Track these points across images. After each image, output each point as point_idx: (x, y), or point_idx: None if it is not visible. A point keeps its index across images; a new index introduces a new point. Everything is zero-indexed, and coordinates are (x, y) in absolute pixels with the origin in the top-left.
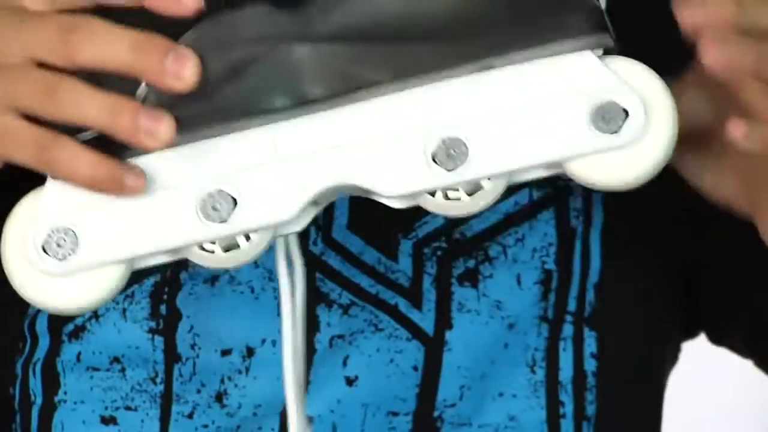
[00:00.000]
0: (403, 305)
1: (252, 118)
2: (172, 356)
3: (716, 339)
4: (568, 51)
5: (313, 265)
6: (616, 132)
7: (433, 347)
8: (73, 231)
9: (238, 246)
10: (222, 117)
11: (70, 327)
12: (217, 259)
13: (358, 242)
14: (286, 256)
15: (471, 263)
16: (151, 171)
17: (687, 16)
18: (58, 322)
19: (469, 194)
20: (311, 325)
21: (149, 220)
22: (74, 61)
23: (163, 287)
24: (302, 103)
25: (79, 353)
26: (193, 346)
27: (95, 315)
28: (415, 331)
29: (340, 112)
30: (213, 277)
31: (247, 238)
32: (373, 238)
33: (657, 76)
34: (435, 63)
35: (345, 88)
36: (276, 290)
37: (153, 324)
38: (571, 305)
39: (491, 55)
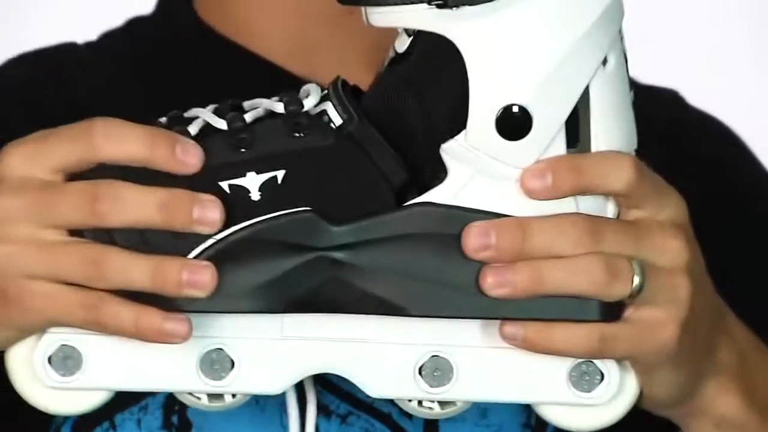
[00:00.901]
0: (396, 414)
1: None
2: None
3: None
4: None
5: (313, 379)
6: (589, 392)
7: None
8: (79, 351)
9: (223, 398)
10: (247, 305)
11: None
12: (201, 405)
13: None
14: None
15: None
16: None
17: (473, 245)
18: (79, 430)
19: (441, 404)
20: None
21: (150, 361)
22: (104, 228)
23: (174, 399)
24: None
25: None
26: None
27: (113, 425)
28: None
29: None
30: None
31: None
32: None
33: None
34: (456, 310)
35: (361, 307)
36: (279, 403)
37: None
38: None
39: (503, 316)
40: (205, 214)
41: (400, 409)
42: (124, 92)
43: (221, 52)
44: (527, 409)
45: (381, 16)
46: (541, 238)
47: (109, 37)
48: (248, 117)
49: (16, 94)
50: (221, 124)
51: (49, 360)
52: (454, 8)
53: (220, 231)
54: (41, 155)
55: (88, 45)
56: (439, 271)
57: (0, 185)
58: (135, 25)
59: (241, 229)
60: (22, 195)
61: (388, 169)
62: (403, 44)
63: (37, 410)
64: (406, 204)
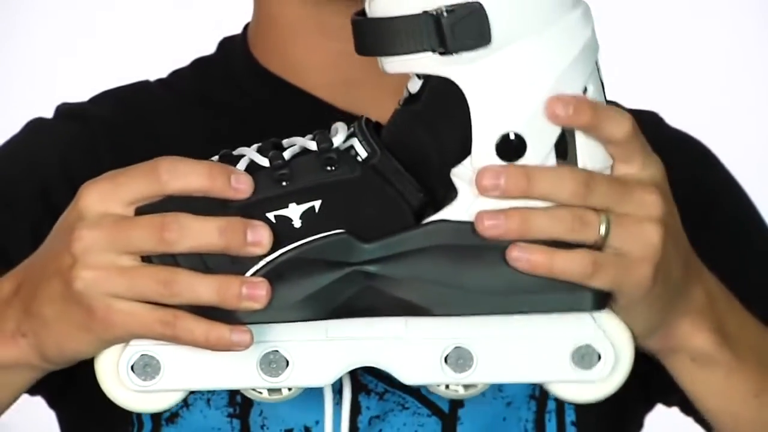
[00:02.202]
0: (424, 390)
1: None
2: None
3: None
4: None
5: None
6: (589, 369)
7: (448, 422)
8: (157, 360)
9: (281, 391)
10: (296, 315)
11: (167, 414)
12: (263, 398)
13: None
14: None
15: None
16: None
17: (484, 184)
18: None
19: (465, 387)
20: (355, 409)
21: (218, 365)
22: (172, 253)
23: None
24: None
25: None
26: (262, 427)
27: (186, 404)
28: (434, 409)
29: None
30: None
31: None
32: None
33: (627, 328)
34: (473, 308)
35: (392, 311)
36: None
37: (231, 410)
38: None
39: (517, 311)
40: (257, 237)
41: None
42: (193, 127)
43: (273, 88)
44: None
45: (394, 64)
46: (543, 185)
47: (177, 76)
48: (287, 154)
49: (103, 132)
50: (264, 162)
51: (132, 367)
52: (454, 54)
53: (270, 254)
54: (115, 192)
55: (160, 82)
56: (456, 276)
57: (81, 221)
58: (199, 65)
59: (287, 251)
60: (100, 228)
61: (407, 194)
62: (415, 86)
63: None
64: (424, 222)
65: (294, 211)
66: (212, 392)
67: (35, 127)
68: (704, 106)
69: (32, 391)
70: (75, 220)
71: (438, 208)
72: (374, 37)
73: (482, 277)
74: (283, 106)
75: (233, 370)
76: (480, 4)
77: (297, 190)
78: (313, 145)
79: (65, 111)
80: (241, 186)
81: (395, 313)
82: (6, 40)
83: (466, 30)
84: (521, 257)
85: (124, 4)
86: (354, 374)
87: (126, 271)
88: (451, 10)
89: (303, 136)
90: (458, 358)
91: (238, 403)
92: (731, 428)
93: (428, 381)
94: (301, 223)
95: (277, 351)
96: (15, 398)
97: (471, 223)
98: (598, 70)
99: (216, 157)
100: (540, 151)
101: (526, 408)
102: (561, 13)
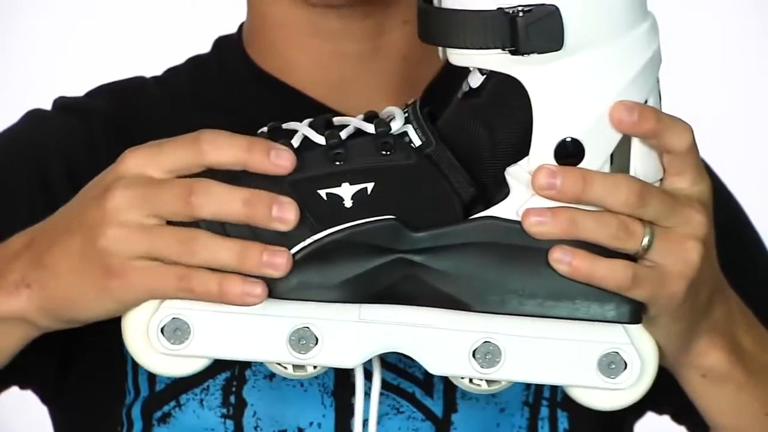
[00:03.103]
0: (419, 393)
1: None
2: None
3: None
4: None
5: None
6: (614, 378)
7: (442, 427)
8: (188, 324)
9: (305, 368)
10: (335, 295)
11: (159, 414)
12: (287, 373)
13: None
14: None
15: None
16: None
17: (540, 182)
18: (149, 409)
19: (487, 382)
20: (348, 412)
21: (248, 335)
22: (195, 217)
23: (232, 381)
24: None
25: None
26: (256, 428)
27: (178, 404)
28: (428, 414)
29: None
30: (271, 374)
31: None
32: None
33: (653, 340)
34: (512, 308)
35: (432, 302)
36: (320, 384)
37: (225, 411)
38: (546, 392)
39: (555, 316)
40: (282, 213)
41: (422, 389)
42: (187, 123)
43: (268, 88)
44: (527, 389)
45: (459, 57)
46: (598, 190)
47: (173, 73)
48: (343, 134)
49: (101, 125)
50: (320, 140)
51: (162, 330)
52: (524, 55)
53: (319, 232)
54: (156, 158)
55: (156, 79)
56: (500, 275)
57: (118, 181)
58: (195, 63)
59: (335, 232)
60: (133, 188)
61: (459, 186)
62: (476, 81)
63: (111, 396)
64: (473, 216)
65: (346, 191)
66: (205, 392)
67: (34, 117)
68: (703, 107)
69: (26, 383)
70: (112, 180)
71: (487, 204)
72: (443, 28)
73: (525, 278)
74: (277, 105)
75: (262, 342)
76: (556, 8)
77: (351, 170)
78: (370, 128)
79: (62, 104)
80: (281, 162)
81: (434, 305)
82: (3, 36)
83: (540, 32)
84: (563, 259)
85: (124, 3)
86: (348, 377)
87: (149, 229)
88: (528, 10)
89: None
90: (486, 353)
91: (232, 404)
92: None
93: (454, 372)
94: (352, 203)
95: (307, 327)
96: (7, 355)
97: (519, 223)
98: (658, 82)
99: (265, 129)
100: (597, 159)
101: (519, 414)
102: (632, 24)
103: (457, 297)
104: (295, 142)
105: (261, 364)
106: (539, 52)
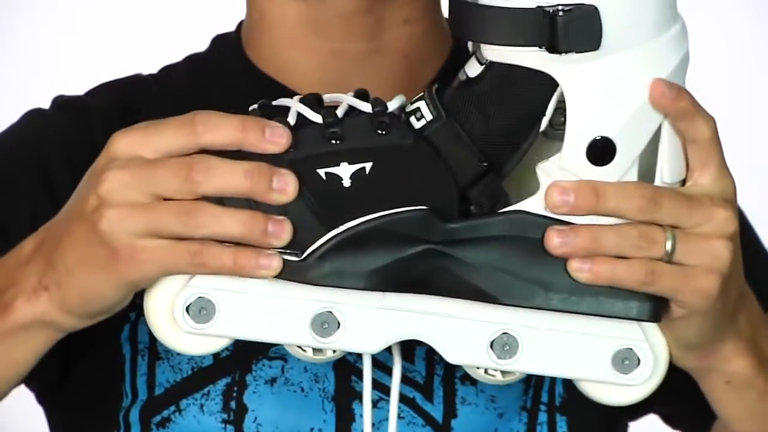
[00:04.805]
0: (419, 399)
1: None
2: None
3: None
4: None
5: (349, 371)
6: (627, 374)
7: None
8: (213, 304)
9: (325, 352)
10: (364, 283)
11: (158, 418)
12: (305, 357)
13: (384, 351)
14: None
15: None
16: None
17: (554, 201)
18: (147, 413)
19: (502, 373)
20: (349, 417)
21: (272, 317)
22: (197, 194)
23: (233, 387)
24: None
25: None
26: None
27: (178, 409)
28: (428, 419)
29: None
30: (272, 379)
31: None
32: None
33: (665, 339)
34: (539, 302)
35: (459, 293)
36: (321, 390)
37: (225, 416)
38: (544, 397)
39: (577, 311)
40: (282, 184)
41: (423, 395)
42: None
43: (264, 88)
44: (525, 394)
45: (495, 53)
46: (610, 201)
47: (170, 71)
48: (339, 112)
49: (101, 122)
50: (316, 118)
51: (187, 309)
52: (562, 54)
53: (350, 221)
54: (147, 139)
55: (153, 77)
56: (528, 269)
57: (110, 163)
58: (192, 61)
59: (369, 220)
60: (128, 169)
61: (463, 163)
62: (475, 71)
63: (107, 398)
64: (504, 210)
65: (345, 170)
66: (206, 397)
67: (35, 115)
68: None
69: (28, 380)
70: (105, 163)
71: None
72: (480, 24)
73: (552, 273)
74: None
75: (285, 325)
76: (596, 8)
77: (349, 150)
78: (367, 107)
79: (62, 102)
80: (276, 139)
81: (461, 296)
82: (4, 36)
83: (579, 31)
84: (582, 267)
85: (124, 3)
86: (347, 381)
87: (148, 205)
88: (569, 9)
89: None
90: (504, 345)
91: (233, 409)
92: None
93: (471, 362)
94: (351, 182)
95: (330, 312)
96: (32, 363)
97: (548, 218)
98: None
99: (255, 106)
100: (627, 159)
101: (518, 420)
102: (665, 26)
103: (485, 289)
104: (291, 119)
105: (262, 369)
106: (577, 52)
